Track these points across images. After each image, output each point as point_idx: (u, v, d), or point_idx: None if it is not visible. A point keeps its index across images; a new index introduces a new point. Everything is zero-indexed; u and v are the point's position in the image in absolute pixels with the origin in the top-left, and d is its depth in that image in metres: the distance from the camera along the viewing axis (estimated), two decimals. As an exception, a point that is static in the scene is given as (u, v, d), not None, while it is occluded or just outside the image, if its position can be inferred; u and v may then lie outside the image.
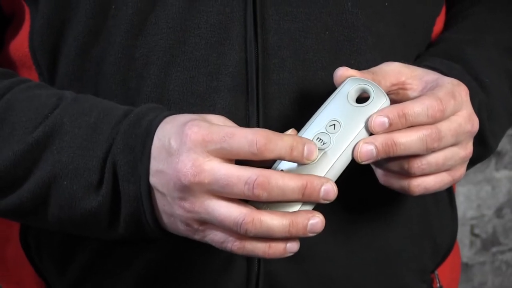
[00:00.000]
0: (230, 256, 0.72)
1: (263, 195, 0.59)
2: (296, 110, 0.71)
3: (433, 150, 0.65)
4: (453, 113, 0.66)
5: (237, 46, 0.69)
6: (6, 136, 0.68)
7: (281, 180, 0.59)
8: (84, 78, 0.72)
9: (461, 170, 0.70)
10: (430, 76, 0.69)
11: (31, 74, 0.75)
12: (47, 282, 0.78)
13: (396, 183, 0.68)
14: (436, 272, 0.83)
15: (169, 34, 0.69)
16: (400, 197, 0.77)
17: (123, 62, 0.70)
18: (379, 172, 0.69)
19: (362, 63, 0.72)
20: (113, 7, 0.69)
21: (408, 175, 0.66)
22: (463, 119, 0.66)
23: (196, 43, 0.69)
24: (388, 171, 0.68)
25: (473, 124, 0.68)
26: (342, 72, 0.66)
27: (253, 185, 0.59)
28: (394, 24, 0.74)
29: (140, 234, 0.67)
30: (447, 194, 0.82)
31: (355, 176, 0.69)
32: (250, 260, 0.72)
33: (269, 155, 0.60)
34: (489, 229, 2.06)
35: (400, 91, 0.69)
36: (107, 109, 0.68)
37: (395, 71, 0.68)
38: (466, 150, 0.69)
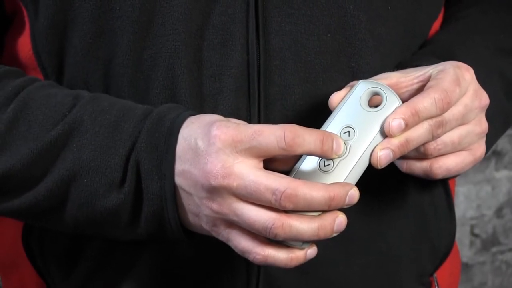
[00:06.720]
0: (229, 261, 0.72)
1: (289, 206, 0.60)
2: (298, 112, 0.71)
3: (438, 136, 0.66)
4: (459, 98, 0.67)
5: (240, 47, 0.69)
6: (22, 134, 0.67)
7: (308, 193, 0.60)
8: (91, 79, 0.71)
9: (481, 147, 0.71)
10: (423, 68, 0.69)
11: (37, 76, 0.74)
12: (47, 283, 0.78)
13: (418, 168, 0.69)
14: (435, 275, 0.83)
15: (174, 36, 0.69)
16: (398, 200, 0.78)
17: (131, 64, 0.70)
18: (398, 162, 0.69)
19: (362, 66, 0.72)
20: (118, 8, 0.69)
21: (426, 157, 0.68)
22: (469, 98, 0.67)
23: (198, 44, 0.69)
24: (406, 158, 0.69)
25: (481, 99, 0.69)
26: (338, 96, 0.67)
27: (281, 196, 0.59)
28: (395, 27, 0.74)
29: (160, 234, 0.67)
30: (445, 196, 0.82)
31: None
32: (250, 263, 0.72)
33: (298, 150, 0.60)
34: (489, 229, 2.07)
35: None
36: (126, 107, 0.68)
37: (393, 83, 0.68)
38: (482, 125, 0.70)
